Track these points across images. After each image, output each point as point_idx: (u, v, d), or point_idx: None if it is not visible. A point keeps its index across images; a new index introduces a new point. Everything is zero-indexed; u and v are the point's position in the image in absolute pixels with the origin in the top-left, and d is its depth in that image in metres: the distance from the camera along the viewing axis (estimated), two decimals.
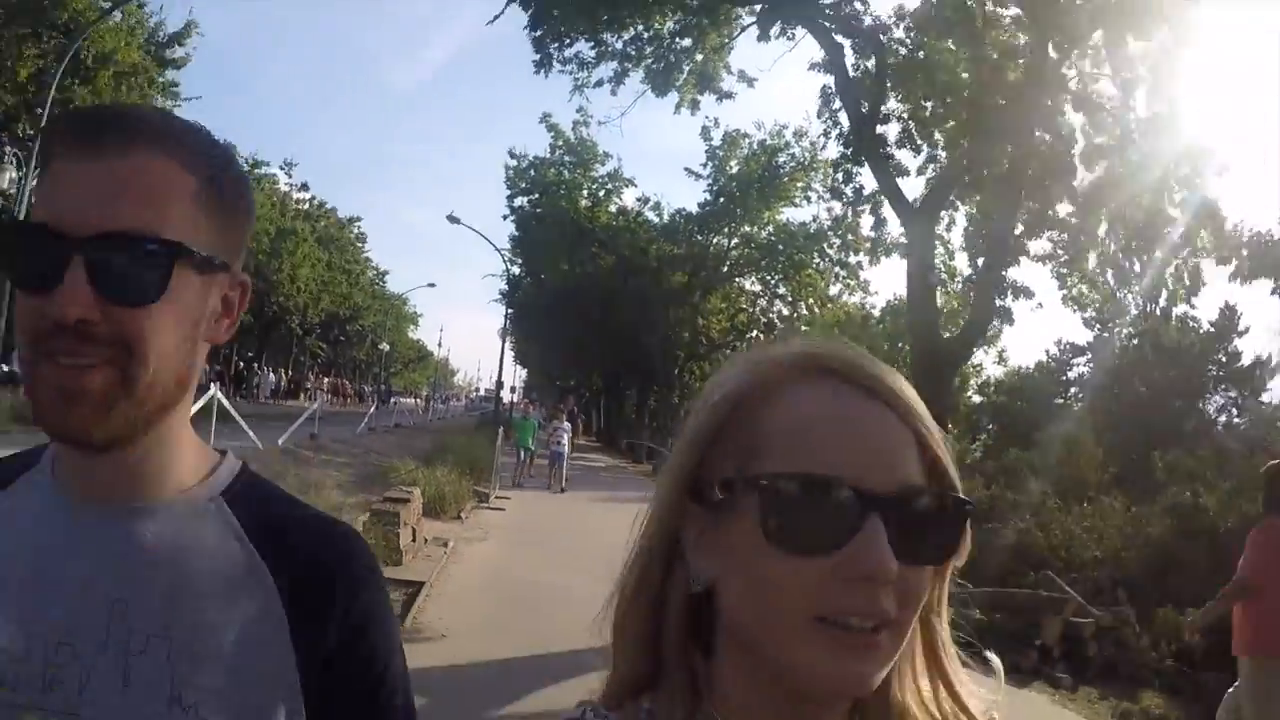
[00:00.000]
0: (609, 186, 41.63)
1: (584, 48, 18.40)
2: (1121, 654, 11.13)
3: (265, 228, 54.18)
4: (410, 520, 12.48)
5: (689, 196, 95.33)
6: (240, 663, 1.16)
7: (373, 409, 46.74)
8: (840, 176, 18.57)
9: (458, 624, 9.58)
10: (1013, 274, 15.91)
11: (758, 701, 0.94)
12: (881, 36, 15.37)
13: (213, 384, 25.93)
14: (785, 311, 41.32)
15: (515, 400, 51.68)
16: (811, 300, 39.77)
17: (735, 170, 32.24)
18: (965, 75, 14.95)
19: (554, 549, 14.89)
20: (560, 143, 38.58)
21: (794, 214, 24.46)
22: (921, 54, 15.60)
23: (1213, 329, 39.44)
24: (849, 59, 15.40)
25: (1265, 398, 52.61)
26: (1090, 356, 51.00)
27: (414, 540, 12.56)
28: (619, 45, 18.32)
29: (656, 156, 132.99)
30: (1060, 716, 9.53)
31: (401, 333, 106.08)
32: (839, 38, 15.24)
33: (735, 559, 0.92)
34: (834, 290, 38.79)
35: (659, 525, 1.00)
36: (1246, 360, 48.93)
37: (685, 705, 0.96)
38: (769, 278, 40.94)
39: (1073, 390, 49.43)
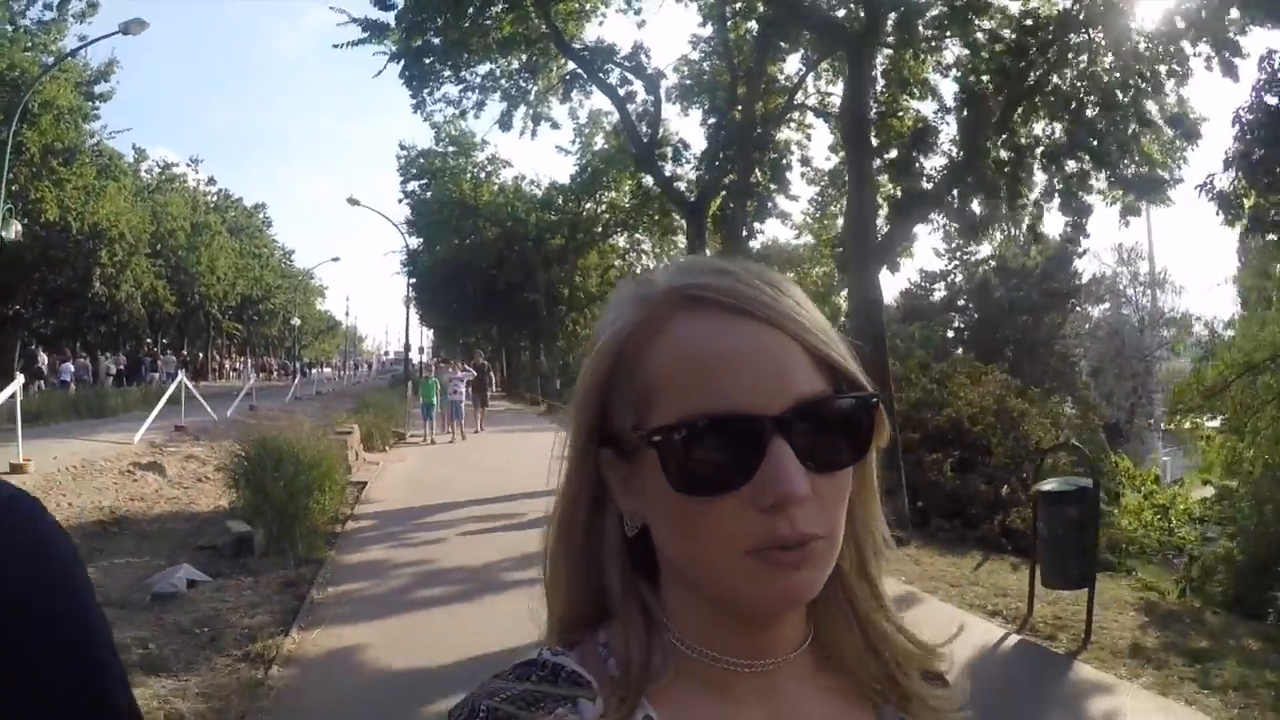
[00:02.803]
0: (488, 169, 46.15)
1: (451, 89, 22.04)
2: None
3: (181, 225, 58.37)
4: (353, 447, 18.59)
5: (561, 169, 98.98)
6: None
7: (296, 381, 52.21)
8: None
9: (388, 497, 16.01)
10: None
11: (709, 621, 0.93)
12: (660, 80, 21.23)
13: (179, 370, 31.86)
14: (651, 264, 42.68)
15: (426, 359, 56.87)
16: (674, 252, 44.70)
17: (599, 146, 33.85)
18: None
19: (454, 463, 21.09)
20: (443, 135, 42.66)
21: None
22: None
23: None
24: (639, 95, 21.22)
25: (1097, 311, 59.18)
26: (947, 282, 57.54)
27: (356, 459, 18.60)
28: (477, 81, 21.91)
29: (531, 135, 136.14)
30: None
31: (310, 306, 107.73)
32: (629, 75, 20.90)
33: (656, 506, 0.90)
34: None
35: (577, 474, 0.98)
36: (1084, 279, 55.64)
37: (642, 632, 0.95)
38: (635, 235, 43.77)
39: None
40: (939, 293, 56.41)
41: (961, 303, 55.52)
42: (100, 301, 49.01)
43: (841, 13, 16.31)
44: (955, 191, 15.30)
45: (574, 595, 1.00)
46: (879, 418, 0.93)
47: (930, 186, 15.47)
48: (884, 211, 15.92)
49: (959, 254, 43.02)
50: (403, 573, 10.76)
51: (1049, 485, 9.44)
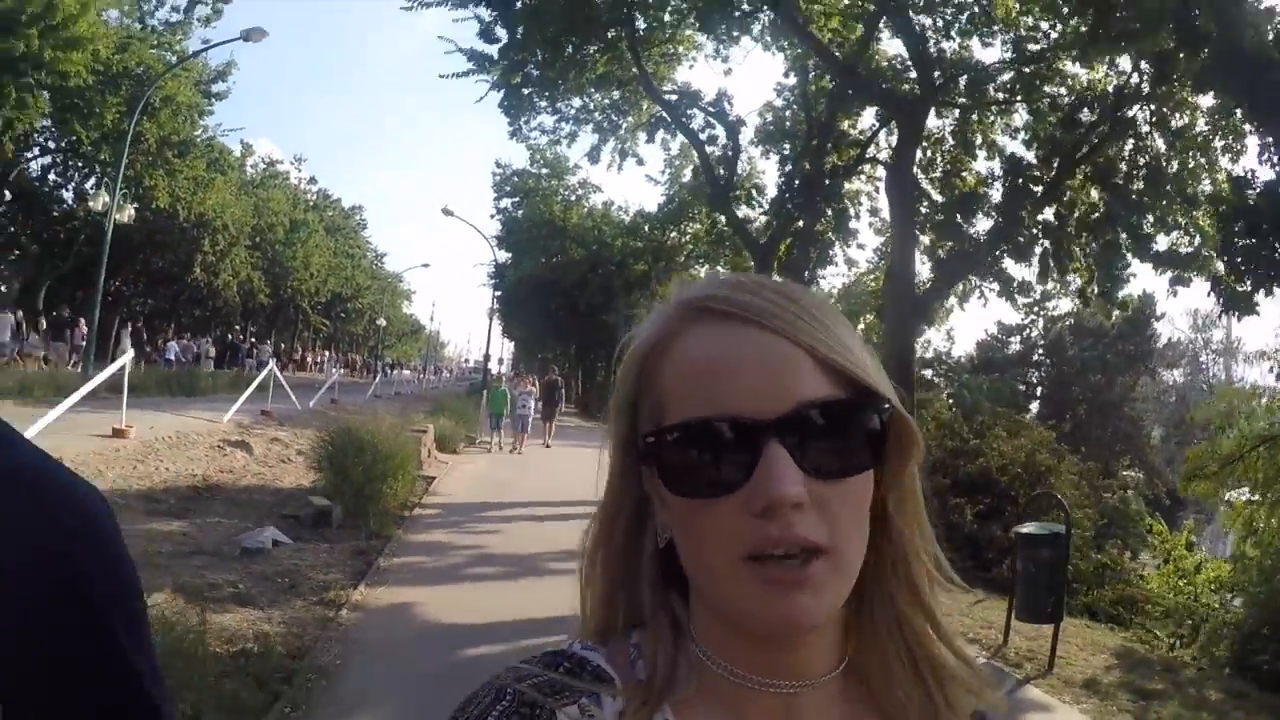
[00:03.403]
0: (579, 193, 47.57)
1: (546, 119, 23.19)
2: None
3: (281, 220, 60.52)
4: (427, 445, 20.01)
5: (649, 198, 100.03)
6: None
7: (377, 379, 54.02)
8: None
9: (454, 492, 17.39)
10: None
11: (732, 638, 0.93)
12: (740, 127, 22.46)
13: (270, 359, 33.59)
14: None
15: (503, 370, 58.30)
16: None
17: (686, 178, 33.66)
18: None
19: (519, 469, 22.46)
20: (537, 157, 43.88)
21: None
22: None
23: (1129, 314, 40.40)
24: (720, 139, 22.49)
25: (1171, 376, 59.37)
26: (1023, 336, 58.06)
27: (428, 456, 20.01)
28: (571, 113, 23.13)
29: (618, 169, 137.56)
30: None
31: (396, 308, 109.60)
32: (712, 120, 22.15)
33: (671, 513, 0.92)
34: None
35: (618, 485, 1.00)
36: (1160, 343, 55.95)
37: (669, 641, 0.96)
38: (716, 267, 41.63)
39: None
40: (1014, 346, 57.05)
41: (1037, 357, 56.07)
42: (198, 286, 51.15)
43: (905, 83, 17.36)
44: (995, 254, 16.27)
45: (608, 601, 1.01)
46: (899, 427, 0.93)
47: (972, 249, 16.50)
48: (929, 267, 17.09)
49: (1037, 309, 43.26)
50: (459, 553, 12.23)
51: (1027, 528, 10.39)
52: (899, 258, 15.67)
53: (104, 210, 30.00)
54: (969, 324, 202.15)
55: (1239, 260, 10.41)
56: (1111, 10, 10.90)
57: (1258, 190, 10.30)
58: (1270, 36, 8.91)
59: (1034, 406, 53.72)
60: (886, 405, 0.91)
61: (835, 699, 0.96)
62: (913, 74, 17.33)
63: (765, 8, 17.49)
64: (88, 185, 39.82)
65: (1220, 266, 13.65)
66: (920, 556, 0.97)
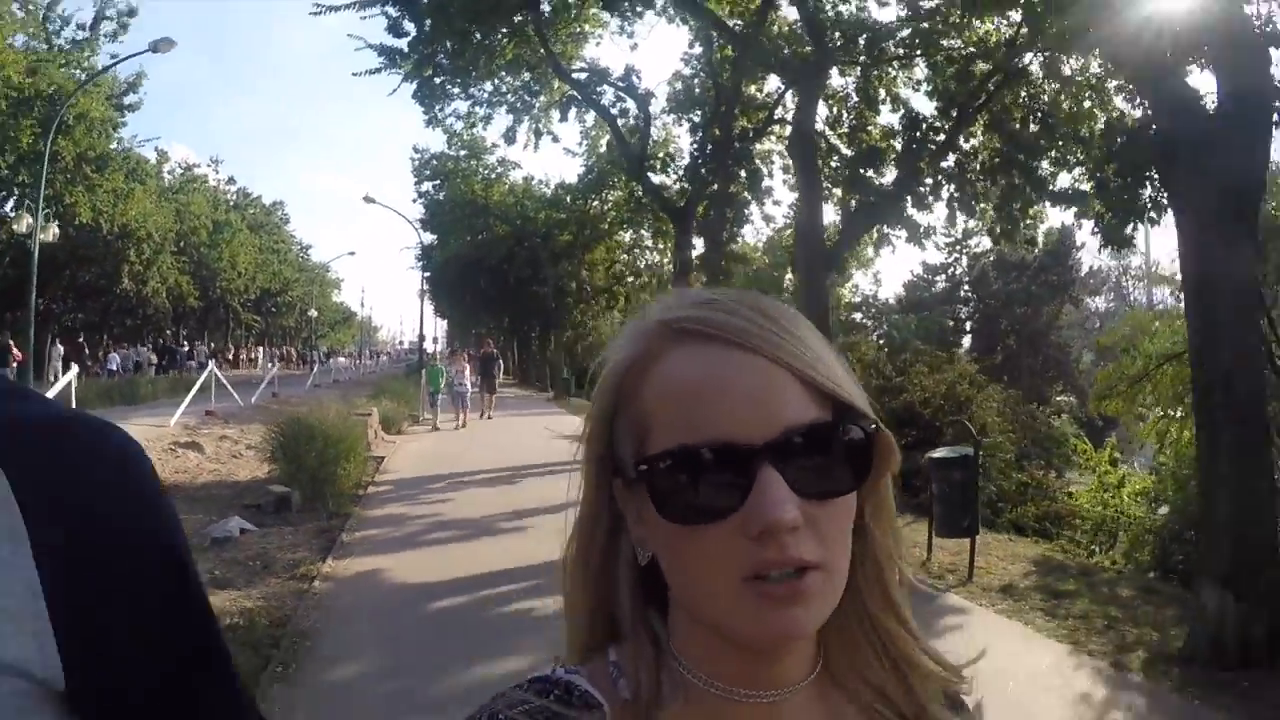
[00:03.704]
0: (499, 170, 47.81)
1: (460, 105, 23.42)
2: None
3: (204, 223, 60.74)
4: (373, 427, 20.70)
5: (569, 169, 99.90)
6: None
7: (315, 369, 54.33)
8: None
9: (403, 468, 18.10)
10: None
11: (715, 651, 0.93)
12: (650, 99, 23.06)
13: (210, 360, 34.02)
14: (655, 259, 45.20)
15: (439, 349, 58.52)
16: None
17: (604, 149, 33.91)
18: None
19: (464, 442, 23.19)
20: (455, 140, 43.38)
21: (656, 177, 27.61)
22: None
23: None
24: (631, 111, 23.12)
25: (1093, 303, 60.69)
26: (948, 274, 59.05)
27: (375, 438, 20.69)
28: (484, 96, 23.45)
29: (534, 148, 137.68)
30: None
31: (326, 298, 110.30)
32: (622, 94, 22.74)
33: (656, 535, 0.91)
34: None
35: (592, 502, 1.00)
36: (1082, 271, 57.12)
37: (650, 659, 0.96)
38: (640, 232, 44.05)
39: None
40: (940, 285, 58.10)
41: (963, 294, 57.15)
42: (128, 296, 51.38)
43: (804, 47, 18.00)
44: (899, 204, 17.08)
45: (590, 618, 1.01)
46: (882, 445, 0.93)
47: (875, 200, 17.31)
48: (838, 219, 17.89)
49: (960, 247, 44.01)
50: (415, 522, 12.97)
51: (938, 453, 11.22)
52: (806, 214, 16.34)
53: (28, 232, 30.19)
54: (896, 266, 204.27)
55: (1111, 199, 11.20)
56: None
57: (1125, 134, 11.11)
58: None
59: (967, 341, 54.81)
60: (871, 424, 0.92)
61: (813, 702, 0.98)
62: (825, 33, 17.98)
63: None
64: (7, 207, 39.91)
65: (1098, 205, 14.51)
66: (892, 560, 1.00)
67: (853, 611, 0.97)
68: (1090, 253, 48.39)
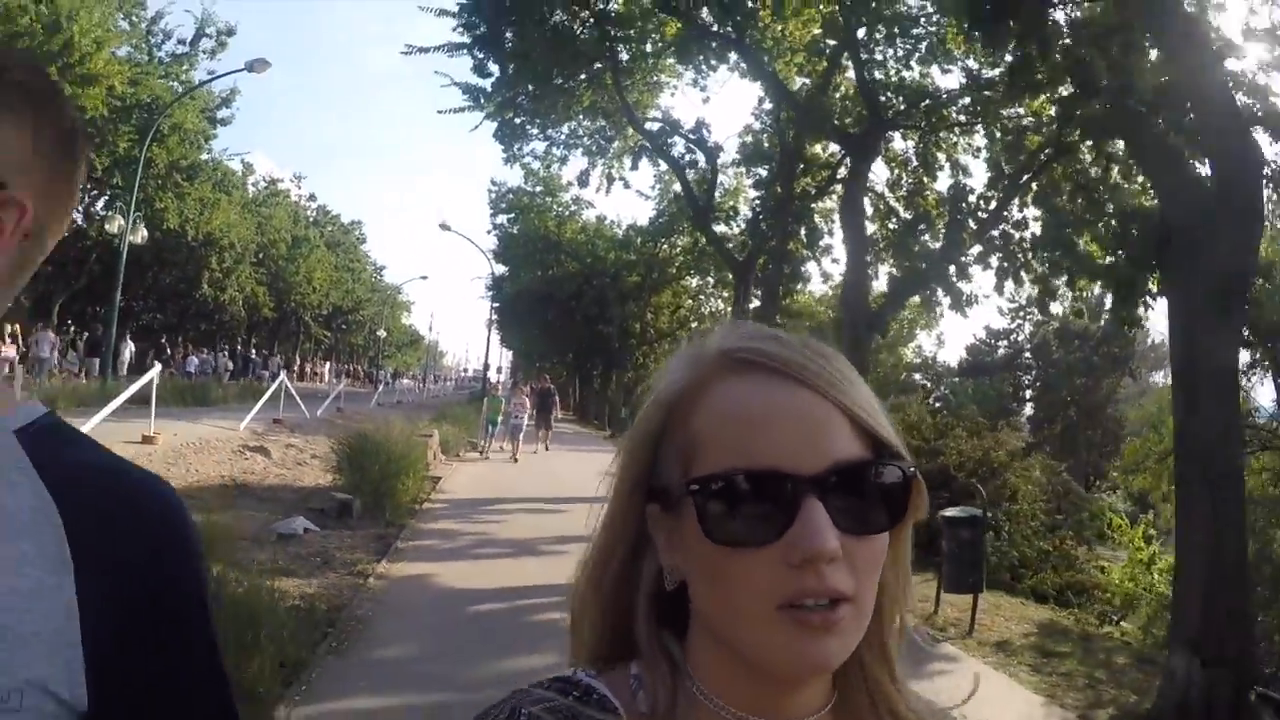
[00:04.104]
0: (573, 208, 48.41)
1: (538, 145, 24.74)
2: None
3: (283, 236, 62.59)
4: (433, 448, 21.70)
5: (641, 211, 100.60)
6: (11, 609, 0.98)
7: (380, 388, 55.58)
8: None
9: (459, 489, 19.10)
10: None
11: (734, 677, 0.95)
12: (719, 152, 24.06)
13: (281, 371, 35.24)
14: (721, 305, 45.69)
15: (501, 379, 59.38)
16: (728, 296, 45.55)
17: (675, 192, 33.65)
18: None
19: (519, 471, 24.20)
20: (531, 176, 44.13)
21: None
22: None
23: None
24: (700, 163, 24.10)
25: (1156, 377, 60.37)
26: (1009, 340, 59.19)
27: (434, 459, 21.68)
28: (561, 138, 24.65)
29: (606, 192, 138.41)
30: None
31: (396, 319, 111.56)
32: (692, 146, 23.72)
33: (695, 559, 0.93)
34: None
35: (618, 523, 1.01)
36: (1144, 344, 56.88)
37: (668, 683, 0.97)
38: (706, 279, 45.08)
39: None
40: (1002, 350, 58.24)
41: (1025, 361, 57.20)
42: (205, 301, 53.01)
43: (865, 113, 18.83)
44: (941, 272, 17.79)
45: (600, 635, 1.03)
46: (916, 490, 0.95)
47: (923, 265, 18.07)
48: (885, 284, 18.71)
49: (1024, 313, 44.14)
50: (465, 537, 13.98)
51: (949, 512, 11.81)
52: (852, 276, 17.15)
53: (119, 233, 31.71)
54: (959, 328, 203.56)
55: (1118, 279, 11.85)
56: (1028, 61, 12.37)
57: (1138, 218, 11.76)
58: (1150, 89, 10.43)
59: (1029, 409, 54.90)
60: (910, 467, 0.94)
61: None
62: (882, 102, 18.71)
63: (732, 49, 19.01)
64: (97, 206, 41.58)
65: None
66: (897, 606, 1.01)
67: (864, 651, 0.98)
68: (1156, 327, 48.30)
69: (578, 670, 1.00)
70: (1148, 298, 11.96)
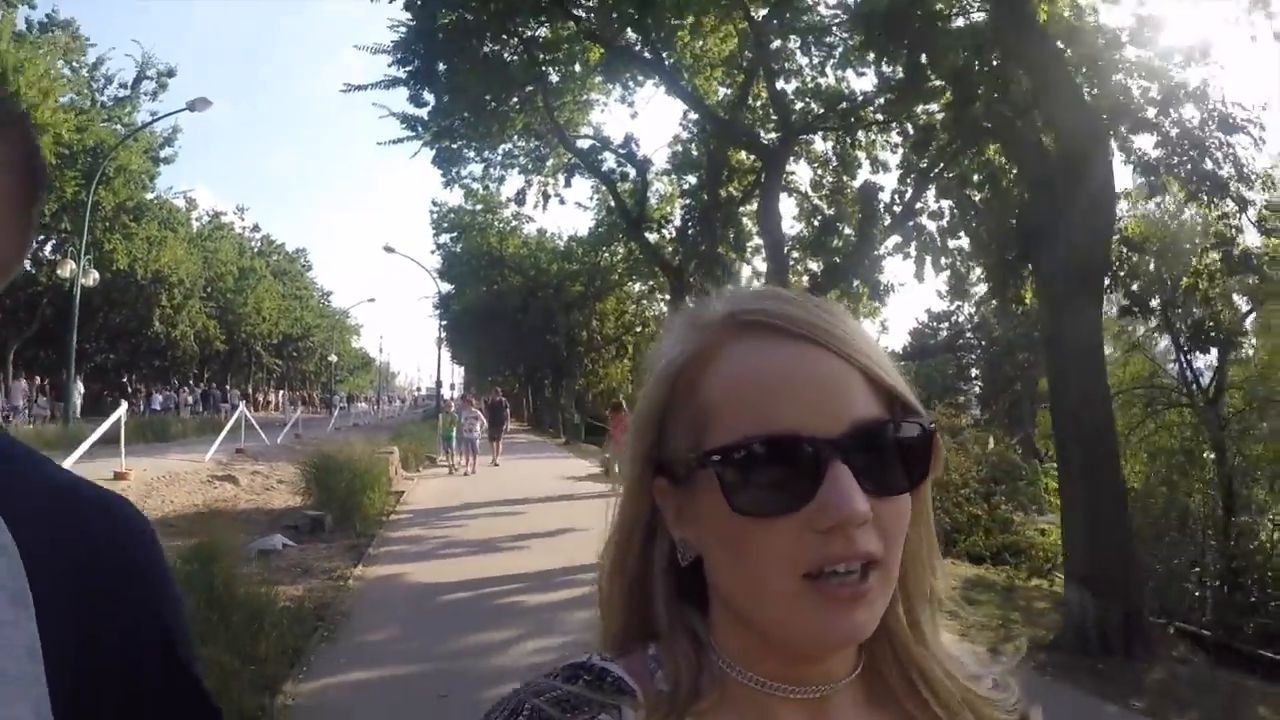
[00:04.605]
0: (513, 224, 48.87)
1: (476, 168, 25.59)
2: None
3: (230, 269, 63.46)
4: (393, 465, 22.72)
5: (581, 221, 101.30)
6: None
7: (336, 413, 56.38)
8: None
9: (422, 500, 20.13)
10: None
11: (757, 648, 0.93)
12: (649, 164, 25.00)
13: (241, 402, 36.08)
14: (663, 309, 44.58)
15: (453, 395, 59.95)
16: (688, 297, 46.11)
17: (622, 193, 31.72)
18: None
19: (477, 480, 25.17)
20: (470, 196, 43.16)
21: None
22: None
23: None
24: (630, 175, 25.07)
25: None
26: (950, 321, 60.35)
27: (395, 475, 22.69)
28: (497, 159, 25.44)
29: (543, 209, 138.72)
30: None
31: (346, 343, 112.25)
32: (622, 160, 24.64)
33: (714, 532, 0.90)
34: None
35: (633, 502, 0.99)
36: None
37: (689, 653, 0.95)
38: (650, 283, 45.08)
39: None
40: (944, 332, 59.55)
41: (968, 341, 58.43)
42: (158, 338, 53.68)
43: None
44: (857, 266, 18.97)
45: (625, 617, 1.01)
46: (936, 446, 0.93)
47: (839, 261, 19.26)
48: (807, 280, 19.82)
49: (963, 294, 44.97)
50: (431, 541, 15.08)
51: None
52: (773, 278, 18.18)
53: (71, 277, 32.50)
54: (901, 314, 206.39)
55: (993, 267, 13.12)
56: (919, 70, 13.53)
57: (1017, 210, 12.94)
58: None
59: (978, 387, 56.10)
60: (930, 423, 0.92)
61: (859, 700, 0.97)
62: (792, 113, 19.81)
63: (653, 71, 20.01)
64: (45, 251, 42.18)
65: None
66: (923, 568, 0.99)
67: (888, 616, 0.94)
68: None
69: (592, 655, 0.98)
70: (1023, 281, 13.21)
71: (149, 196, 43.92)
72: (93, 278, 34.18)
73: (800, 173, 22.55)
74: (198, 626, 6.87)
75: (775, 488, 0.86)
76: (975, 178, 16.88)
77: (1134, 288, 14.33)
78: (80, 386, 41.41)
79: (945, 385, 48.09)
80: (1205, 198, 12.97)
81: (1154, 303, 16.05)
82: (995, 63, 12.00)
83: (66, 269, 32.94)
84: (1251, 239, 14.42)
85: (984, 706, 1.01)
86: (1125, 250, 14.30)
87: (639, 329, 49.59)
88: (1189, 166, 12.64)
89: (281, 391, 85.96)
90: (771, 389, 0.88)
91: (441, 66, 19.61)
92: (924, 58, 13.06)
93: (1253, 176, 13.04)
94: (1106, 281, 12.06)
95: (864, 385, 0.89)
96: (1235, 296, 16.63)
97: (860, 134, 20.73)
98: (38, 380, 41.22)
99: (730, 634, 0.95)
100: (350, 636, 9.07)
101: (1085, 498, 9.88)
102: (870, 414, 0.88)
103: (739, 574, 0.90)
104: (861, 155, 21.03)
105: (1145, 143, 12.78)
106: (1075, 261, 9.91)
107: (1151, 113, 12.31)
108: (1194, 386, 15.46)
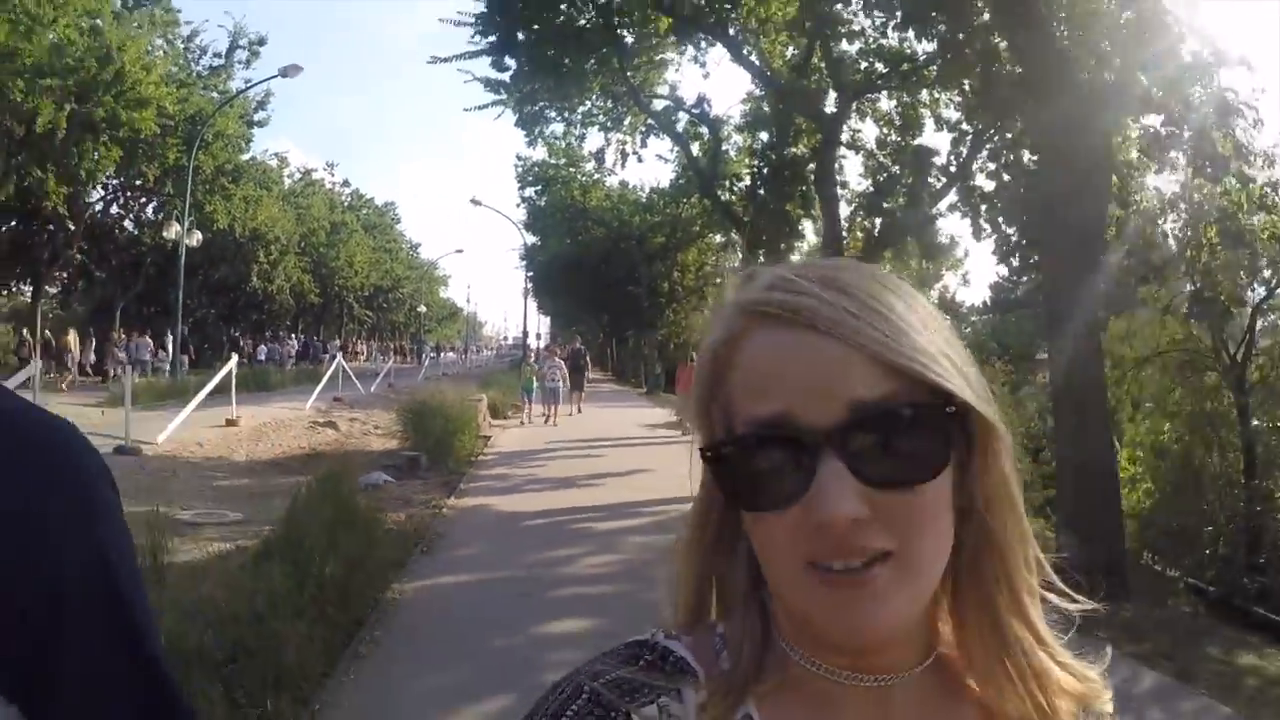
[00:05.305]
0: (596, 177, 49.76)
1: (557, 127, 27.07)
2: None
3: (322, 224, 65.41)
4: (482, 412, 24.25)
5: (664, 172, 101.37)
6: None
7: (426, 362, 58.14)
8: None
9: (508, 444, 21.74)
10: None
11: (817, 639, 0.89)
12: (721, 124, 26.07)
13: (338, 354, 37.83)
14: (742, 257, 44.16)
15: (539, 344, 60.85)
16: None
17: (695, 153, 31.53)
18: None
19: (560, 426, 26.78)
20: (554, 150, 44.41)
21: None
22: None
23: None
24: (704, 135, 26.05)
25: None
26: (1031, 276, 60.47)
27: (484, 421, 24.20)
28: (578, 119, 26.33)
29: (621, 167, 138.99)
30: None
31: (434, 294, 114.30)
32: (696, 119, 25.69)
33: (746, 516, 0.88)
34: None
35: (706, 484, 0.96)
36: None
37: (756, 634, 0.93)
38: (730, 235, 44.06)
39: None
40: (1025, 286, 59.75)
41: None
42: (254, 293, 55.86)
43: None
44: (912, 225, 19.95)
45: (698, 593, 0.99)
46: (980, 426, 0.86)
47: (892, 222, 20.28)
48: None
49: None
50: (515, 478, 16.66)
51: None
52: (828, 235, 19.39)
53: (175, 238, 34.65)
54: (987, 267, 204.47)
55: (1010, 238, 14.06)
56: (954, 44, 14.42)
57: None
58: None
59: None
60: (958, 400, 0.83)
61: (930, 691, 0.93)
62: (856, 73, 20.67)
63: (718, 40, 20.99)
64: (147, 213, 44.56)
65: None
66: (1016, 554, 0.91)
67: (975, 608, 0.91)
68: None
69: (657, 633, 0.96)
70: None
71: (245, 158, 45.39)
72: (196, 238, 36.18)
73: (866, 130, 23.14)
74: (326, 538, 8.38)
75: (768, 482, 0.84)
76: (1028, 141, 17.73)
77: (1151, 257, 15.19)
78: (170, 340, 43.80)
79: (1021, 339, 48.40)
80: (1210, 171, 13.83)
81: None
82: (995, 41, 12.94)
83: (171, 230, 34.85)
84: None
85: (1093, 701, 0.96)
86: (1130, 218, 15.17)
87: (719, 280, 49.69)
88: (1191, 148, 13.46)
89: (372, 341, 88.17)
90: (768, 380, 0.85)
91: (520, 36, 20.64)
92: (960, 35, 13.98)
93: (1252, 156, 13.91)
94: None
95: (871, 367, 0.82)
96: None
97: (924, 93, 21.30)
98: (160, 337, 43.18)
99: (790, 619, 0.93)
100: (445, 551, 10.67)
101: (1075, 453, 10.90)
102: (870, 396, 0.81)
103: (763, 560, 0.88)
104: (926, 113, 21.73)
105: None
106: (1077, 231, 10.84)
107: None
108: (1224, 351, 16.03)
